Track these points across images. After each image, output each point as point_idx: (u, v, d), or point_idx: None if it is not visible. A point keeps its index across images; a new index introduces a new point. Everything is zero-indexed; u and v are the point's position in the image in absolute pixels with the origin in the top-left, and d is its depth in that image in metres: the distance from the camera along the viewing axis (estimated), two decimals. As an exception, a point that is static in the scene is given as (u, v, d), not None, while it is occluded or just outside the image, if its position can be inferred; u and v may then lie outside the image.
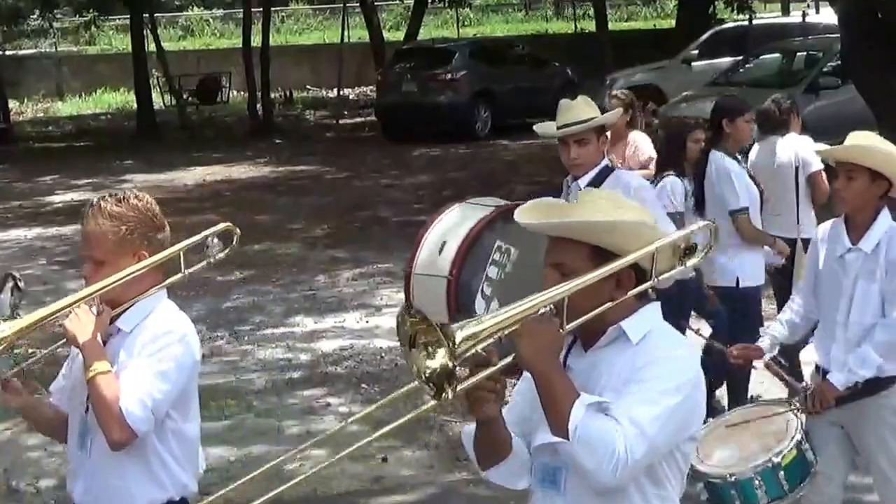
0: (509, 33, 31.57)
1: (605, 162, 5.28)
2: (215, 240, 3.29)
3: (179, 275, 3.21)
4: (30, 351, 4.93)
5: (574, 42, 26.85)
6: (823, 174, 6.36)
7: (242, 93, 24.97)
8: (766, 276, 6.19)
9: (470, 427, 2.57)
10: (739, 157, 6.18)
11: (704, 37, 19.27)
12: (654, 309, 2.57)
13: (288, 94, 26.72)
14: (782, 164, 6.43)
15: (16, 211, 14.40)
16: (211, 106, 26.01)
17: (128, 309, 3.10)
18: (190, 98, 25.76)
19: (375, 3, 26.53)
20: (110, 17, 30.65)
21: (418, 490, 5.68)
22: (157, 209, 3.19)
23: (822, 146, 6.49)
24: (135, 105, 23.55)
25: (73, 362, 3.21)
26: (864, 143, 4.05)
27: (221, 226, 3.34)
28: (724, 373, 5.85)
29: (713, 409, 5.64)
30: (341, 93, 23.86)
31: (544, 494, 2.56)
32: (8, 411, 6.18)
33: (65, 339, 3.07)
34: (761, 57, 16.44)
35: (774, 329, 4.36)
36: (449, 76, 19.23)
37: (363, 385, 7.15)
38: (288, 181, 16.06)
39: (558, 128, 5.23)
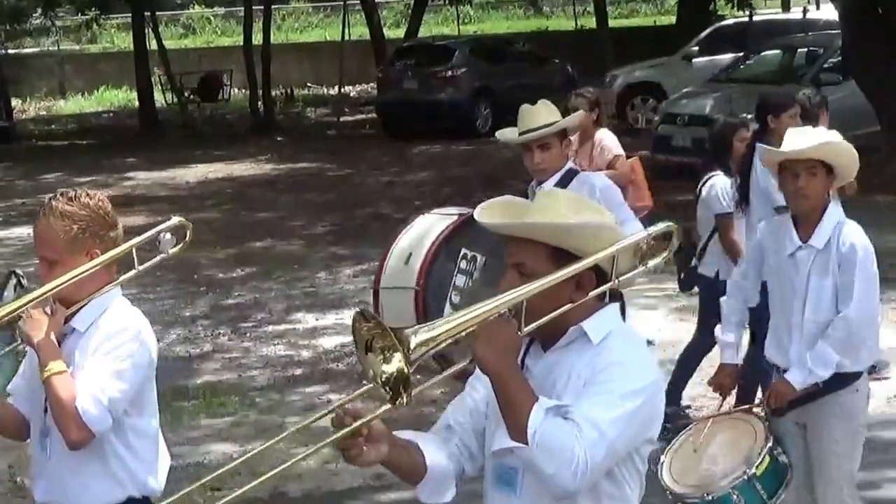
0: (509, 30, 31.60)
1: (569, 165, 5.28)
2: (168, 235, 3.28)
3: (133, 272, 3.21)
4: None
5: (575, 39, 26.91)
6: None
7: (244, 90, 25.00)
8: None
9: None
10: None
11: (705, 33, 19.24)
12: (613, 310, 2.54)
13: (289, 91, 26.75)
14: None
15: (19, 209, 14.42)
16: (212, 104, 26.04)
17: (82, 308, 3.10)
18: (191, 96, 25.80)
19: (376, 1, 26.54)
20: (112, 16, 30.65)
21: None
22: (109, 207, 3.19)
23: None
24: (137, 103, 23.62)
25: (30, 363, 3.20)
26: (831, 139, 4.04)
27: (174, 221, 3.33)
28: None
29: None
30: (342, 90, 23.87)
31: (499, 497, 2.52)
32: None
33: (20, 340, 3.08)
34: (762, 53, 16.41)
35: (730, 336, 4.32)
36: (449, 73, 19.26)
37: (364, 381, 7.18)
38: (289, 178, 16.10)
39: (520, 133, 5.22)
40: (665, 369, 7.05)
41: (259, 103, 22.21)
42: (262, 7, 23.63)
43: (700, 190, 6.18)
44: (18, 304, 3.07)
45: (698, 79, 16.37)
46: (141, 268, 3.23)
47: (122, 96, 27.79)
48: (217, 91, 26.67)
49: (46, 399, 3.03)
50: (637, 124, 18.25)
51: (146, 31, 23.77)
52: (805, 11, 19.98)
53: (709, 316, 5.83)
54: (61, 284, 3.05)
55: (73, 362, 3.04)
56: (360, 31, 28.63)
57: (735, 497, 3.80)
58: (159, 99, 24.97)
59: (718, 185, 6.07)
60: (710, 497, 3.82)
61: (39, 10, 27.38)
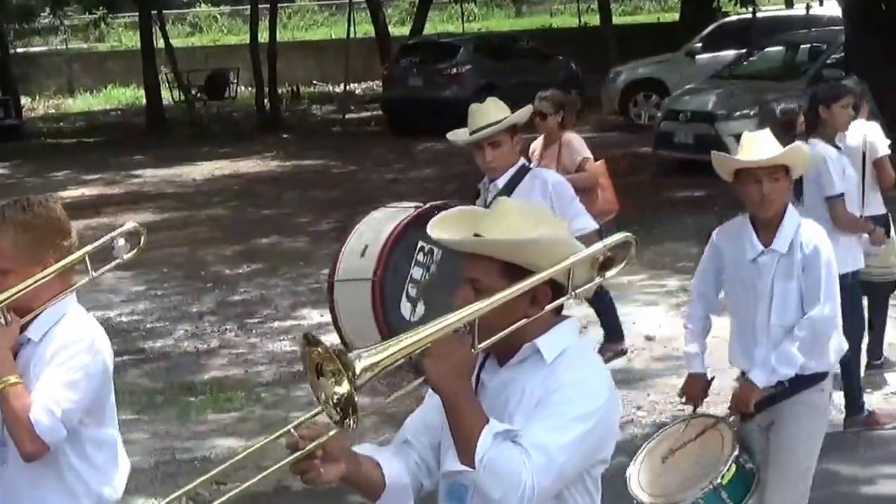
0: (513, 28, 31.66)
1: (521, 161, 5.25)
2: (122, 241, 3.23)
3: (87, 278, 3.18)
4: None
5: (578, 36, 27.00)
6: (888, 159, 6.46)
7: (250, 88, 25.12)
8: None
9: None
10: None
11: (708, 30, 19.23)
12: (570, 325, 2.49)
13: (295, 89, 26.86)
14: (851, 148, 6.38)
15: (28, 206, 14.62)
16: (219, 101, 26.12)
17: (37, 317, 3.07)
18: (198, 94, 25.92)
19: (381, -1, 26.66)
20: (119, 15, 30.79)
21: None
22: (63, 215, 3.15)
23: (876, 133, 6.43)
24: (144, 101, 23.68)
25: None
26: (794, 146, 4.02)
27: (128, 226, 3.30)
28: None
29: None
30: (347, 88, 23.90)
31: None
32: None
33: None
34: (765, 50, 16.40)
35: (694, 346, 4.22)
36: (454, 70, 19.34)
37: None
38: (295, 175, 16.17)
39: (471, 133, 5.17)
40: (662, 365, 7.14)
41: (265, 101, 22.31)
42: (268, 5, 23.71)
43: None
44: None
45: (701, 75, 16.36)
46: (95, 274, 3.19)
47: (130, 94, 27.89)
48: (223, 89, 26.76)
49: (1, 411, 3.00)
50: (639, 121, 18.35)
51: (153, 29, 23.91)
52: (808, 8, 19.93)
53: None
54: (15, 294, 3.01)
55: (28, 373, 3.01)
56: (365, 28, 28.71)
57: None
58: (166, 97, 25.08)
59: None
60: None
61: (48, 10, 27.54)
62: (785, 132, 6.41)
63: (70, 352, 3.02)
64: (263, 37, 22.84)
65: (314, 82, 28.65)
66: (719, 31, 19.31)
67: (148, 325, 8.75)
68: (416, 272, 5.76)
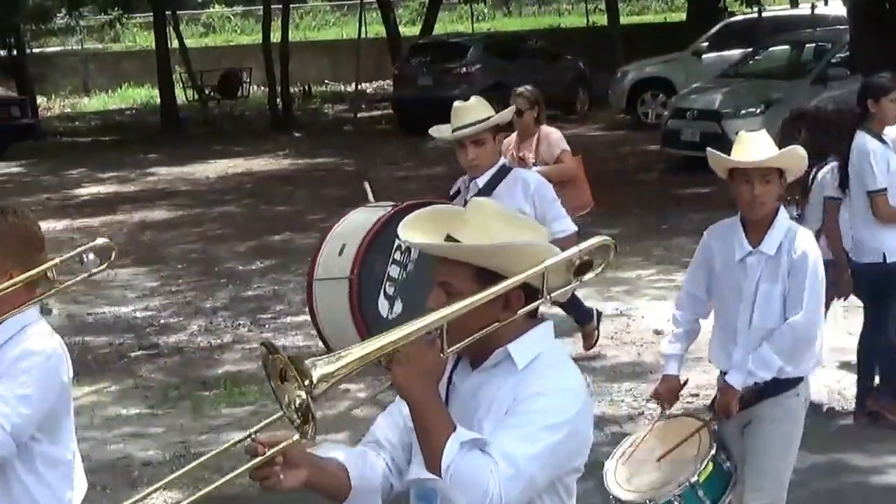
0: (522, 28, 31.77)
1: (502, 161, 5.22)
2: (91, 256, 3.18)
3: (52, 290, 3.15)
4: None
5: (586, 35, 27.04)
6: None
7: (262, 88, 25.25)
8: None
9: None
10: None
11: (714, 29, 19.33)
12: (544, 330, 2.42)
13: (307, 88, 27.00)
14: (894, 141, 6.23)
15: (44, 203, 14.64)
16: (232, 101, 26.25)
17: None
18: (212, 93, 26.08)
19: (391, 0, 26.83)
20: (134, 15, 30.96)
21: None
22: (37, 227, 3.12)
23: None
24: (158, 100, 23.87)
25: None
26: (790, 149, 3.95)
27: (98, 241, 3.25)
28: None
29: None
30: (359, 87, 23.98)
31: None
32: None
33: None
34: (770, 49, 16.47)
35: (675, 348, 4.17)
36: (464, 70, 19.43)
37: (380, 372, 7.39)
38: (307, 173, 16.27)
39: (454, 130, 5.11)
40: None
41: (277, 100, 22.44)
42: (280, 6, 23.86)
43: (813, 178, 6.09)
44: None
45: (707, 74, 16.45)
46: (62, 286, 3.17)
47: (144, 94, 28.05)
48: (236, 88, 26.85)
49: None
50: (647, 119, 18.49)
51: (167, 30, 24.09)
52: (813, 7, 20.03)
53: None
54: None
55: None
56: (376, 29, 28.83)
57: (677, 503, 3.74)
58: (180, 96, 25.24)
59: (832, 171, 5.99)
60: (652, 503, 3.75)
61: (64, 10, 27.69)
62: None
63: (25, 365, 2.94)
64: (276, 37, 22.96)
65: (326, 82, 28.77)
66: (725, 30, 19.41)
67: (162, 321, 8.81)
68: (394, 270, 5.71)
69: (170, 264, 10.78)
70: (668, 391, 4.13)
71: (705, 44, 18.94)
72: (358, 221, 6.12)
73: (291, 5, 25.99)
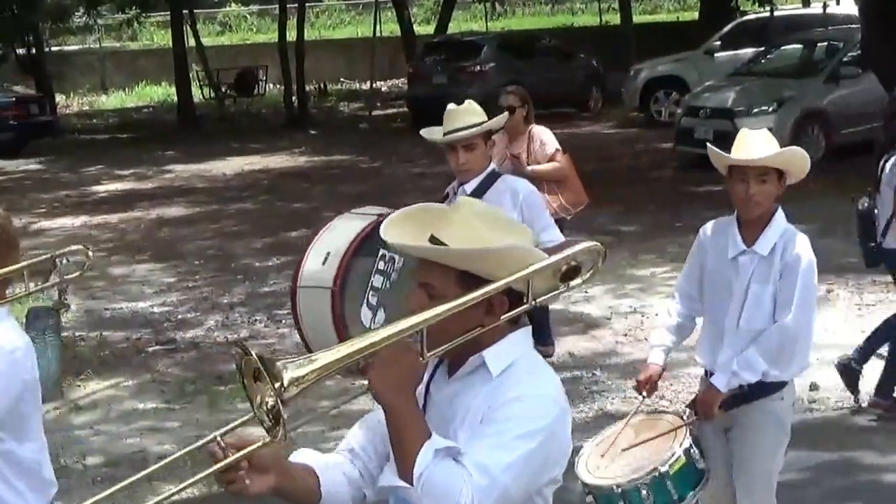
0: (536, 26, 31.85)
1: (491, 166, 5.21)
2: (65, 261, 3.22)
3: (22, 293, 3.19)
4: None
5: (599, 34, 27.08)
6: None
7: (278, 86, 25.40)
8: None
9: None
10: None
11: (727, 28, 19.37)
12: (522, 336, 2.34)
13: (322, 86, 27.13)
14: None
15: (63, 200, 14.81)
16: (248, 98, 26.44)
17: None
18: (228, 91, 26.25)
19: (407, -2, 26.93)
20: (152, 14, 31.09)
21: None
22: (12, 228, 3.10)
23: None
24: (175, 98, 24.01)
25: None
26: (789, 149, 3.89)
27: (73, 248, 3.29)
28: None
29: None
30: (374, 85, 24.10)
31: None
32: (56, 392, 6.39)
33: None
34: (782, 48, 16.51)
35: (663, 339, 4.14)
36: (478, 68, 19.52)
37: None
38: (322, 170, 16.37)
39: (445, 133, 5.08)
40: (686, 356, 7.16)
41: (293, 98, 22.54)
42: (296, 5, 23.94)
43: (883, 166, 6.03)
44: None
45: (720, 73, 16.50)
46: (34, 289, 3.23)
47: (162, 91, 28.22)
48: (253, 86, 27.03)
49: None
50: (660, 117, 18.59)
51: (185, 28, 24.21)
52: (825, 6, 20.00)
53: None
54: None
55: None
56: (391, 27, 28.96)
57: (644, 492, 3.68)
58: (197, 94, 25.38)
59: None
60: (619, 490, 3.70)
61: (82, 9, 27.89)
62: None
63: None
64: (291, 35, 23.10)
65: (341, 80, 28.91)
66: (738, 29, 19.45)
67: (179, 316, 8.89)
68: (378, 280, 5.66)
69: (187, 260, 10.90)
70: (647, 379, 4.07)
71: (718, 42, 18.98)
72: (342, 230, 6.06)
73: (307, 4, 26.12)
